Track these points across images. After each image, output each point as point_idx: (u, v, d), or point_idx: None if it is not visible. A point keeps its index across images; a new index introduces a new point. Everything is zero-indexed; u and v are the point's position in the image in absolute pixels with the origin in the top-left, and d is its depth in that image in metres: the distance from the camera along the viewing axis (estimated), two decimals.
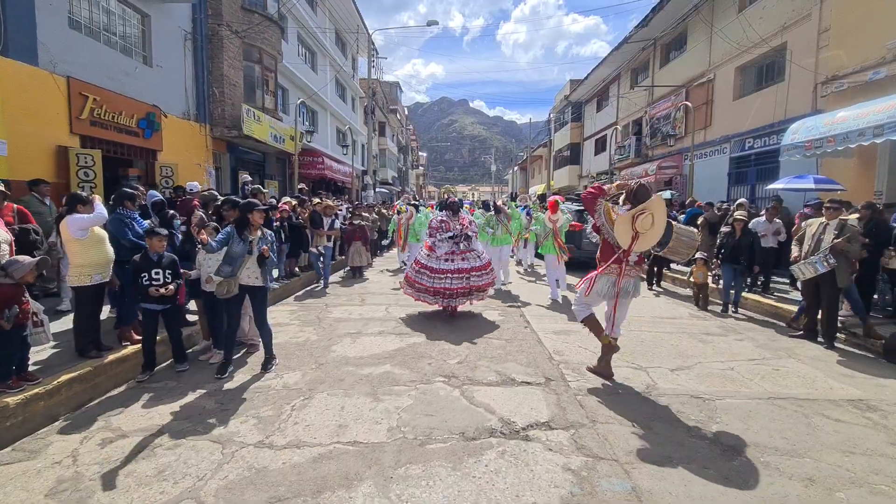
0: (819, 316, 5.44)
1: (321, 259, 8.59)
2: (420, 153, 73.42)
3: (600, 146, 25.82)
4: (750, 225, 7.26)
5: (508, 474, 2.65)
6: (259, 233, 4.29)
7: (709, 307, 7.08)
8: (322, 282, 8.70)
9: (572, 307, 4.52)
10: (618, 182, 5.16)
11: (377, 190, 21.39)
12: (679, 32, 17.11)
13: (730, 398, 3.80)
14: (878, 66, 8.81)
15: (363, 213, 10.38)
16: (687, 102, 14.28)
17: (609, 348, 4.15)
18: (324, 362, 4.56)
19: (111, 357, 4.12)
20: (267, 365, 4.35)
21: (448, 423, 3.27)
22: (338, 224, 8.96)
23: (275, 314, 6.54)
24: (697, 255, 6.80)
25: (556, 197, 8.90)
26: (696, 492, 2.52)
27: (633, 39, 18.62)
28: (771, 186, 9.81)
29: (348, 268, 10.06)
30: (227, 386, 3.95)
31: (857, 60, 9.38)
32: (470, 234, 6.27)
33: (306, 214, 8.96)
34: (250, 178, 10.77)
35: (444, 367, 4.41)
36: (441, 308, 6.35)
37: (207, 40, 11.62)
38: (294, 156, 14.55)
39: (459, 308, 6.37)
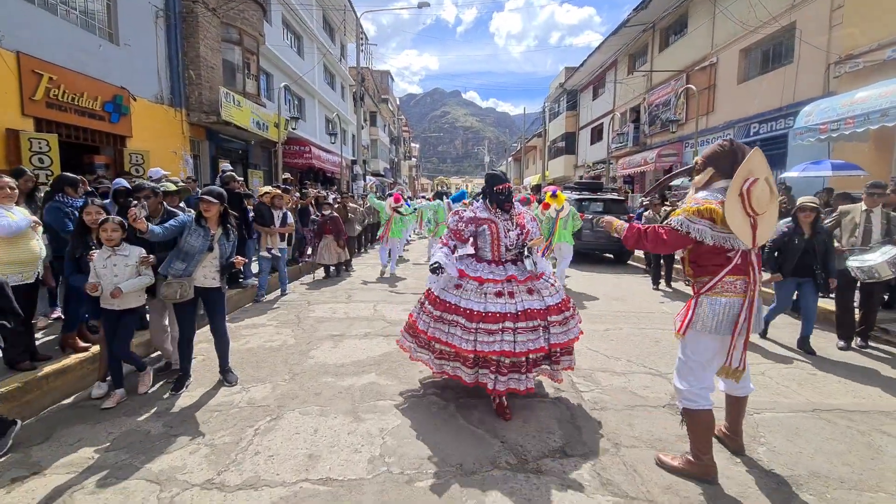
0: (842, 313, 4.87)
1: (269, 264, 6.77)
2: (412, 144, 72.52)
3: (596, 135, 25.26)
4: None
5: None
6: (221, 230, 3.63)
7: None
8: (280, 291, 7.00)
9: (677, 386, 2.48)
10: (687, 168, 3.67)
11: (367, 179, 20.67)
12: (680, 14, 16.49)
13: (769, 411, 3.27)
14: None
15: (350, 204, 9.68)
16: (690, 86, 13.71)
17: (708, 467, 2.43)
18: (299, 372, 3.96)
19: (48, 369, 3.50)
20: (228, 379, 3.73)
21: (442, 452, 2.69)
22: (291, 219, 6.92)
23: (250, 313, 5.94)
24: None
25: (552, 188, 8.33)
26: None
27: (631, 23, 17.98)
28: (785, 175, 9.26)
29: (314, 271, 8.71)
30: (181, 403, 3.35)
31: (874, 38, 8.86)
32: (530, 246, 3.28)
33: (291, 205, 8.32)
34: (231, 168, 10.08)
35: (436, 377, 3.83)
36: (473, 385, 3.11)
37: (181, 18, 10.81)
38: (279, 144, 13.81)
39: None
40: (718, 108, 14.18)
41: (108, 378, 3.47)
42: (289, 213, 6.94)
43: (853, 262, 4.45)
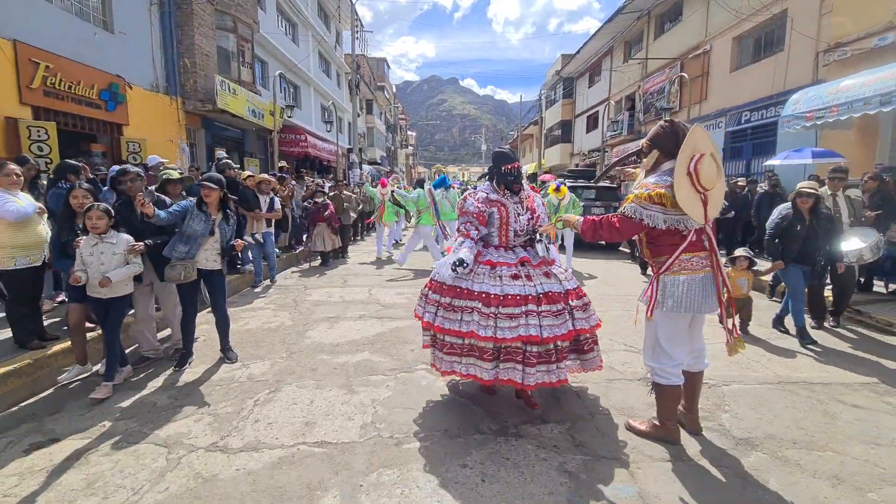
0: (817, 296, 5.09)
1: (261, 250, 6.78)
2: (409, 132, 72.12)
3: (592, 123, 25.28)
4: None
5: (497, 479, 2.30)
6: (221, 215, 3.80)
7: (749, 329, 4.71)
8: (268, 279, 6.94)
9: (650, 364, 2.60)
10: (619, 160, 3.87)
11: (363, 168, 20.72)
12: (675, 2, 16.48)
13: (737, 383, 3.49)
14: (884, 32, 8.42)
15: (344, 192, 9.81)
16: (683, 74, 13.79)
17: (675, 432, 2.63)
18: (296, 350, 4.17)
19: (56, 348, 3.69)
20: (229, 357, 3.93)
21: (430, 419, 2.91)
22: (278, 204, 6.87)
23: (248, 298, 6.12)
24: (739, 251, 4.71)
25: (552, 180, 8.50)
26: (712, 497, 2.20)
27: (626, 10, 17.96)
28: (768, 162, 9.46)
29: (307, 258, 8.85)
30: (185, 379, 3.55)
31: (862, 26, 8.97)
32: (542, 232, 3.09)
33: (286, 193, 8.45)
34: (226, 155, 10.17)
35: (427, 354, 4.03)
36: (492, 383, 2.87)
37: (176, 6, 10.80)
38: (274, 132, 13.86)
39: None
40: (711, 96, 14.28)
41: (100, 362, 3.57)
42: (276, 198, 6.91)
43: (842, 247, 4.58)
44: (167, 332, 4.37)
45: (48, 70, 7.33)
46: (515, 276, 2.79)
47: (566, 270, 3.04)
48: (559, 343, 2.70)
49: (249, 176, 6.83)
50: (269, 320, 5.12)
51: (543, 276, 2.86)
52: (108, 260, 3.25)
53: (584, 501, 2.14)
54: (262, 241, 6.67)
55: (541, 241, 3.08)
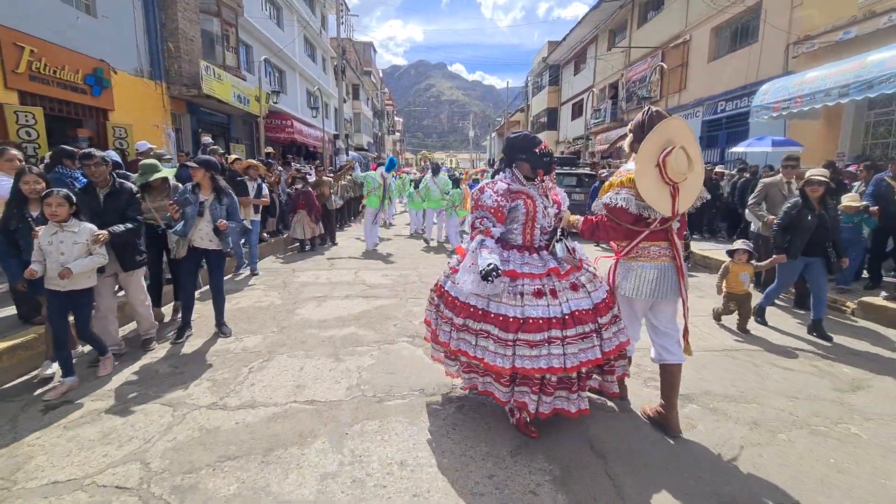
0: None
1: (245, 237, 6.57)
2: (396, 118, 71.61)
3: (577, 111, 25.58)
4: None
5: (465, 427, 2.66)
6: (213, 195, 4.00)
7: (746, 327, 4.42)
8: (249, 267, 6.74)
9: None
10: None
11: (350, 154, 20.77)
12: None
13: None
14: (849, 26, 8.82)
15: (325, 178, 9.99)
16: (662, 63, 14.12)
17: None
18: (286, 326, 4.46)
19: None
20: (223, 331, 4.19)
21: (409, 381, 3.25)
22: (266, 190, 6.79)
23: (239, 278, 6.37)
24: (739, 244, 4.54)
25: None
26: (645, 440, 2.57)
27: None
28: (733, 150, 9.91)
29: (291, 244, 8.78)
30: (183, 351, 3.83)
31: (830, 19, 9.36)
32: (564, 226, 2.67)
33: (273, 179, 8.61)
34: (211, 140, 10.26)
35: (409, 328, 4.38)
36: (508, 404, 2.59)
37: None
38: (260, 118, 13.90)
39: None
40: (690, 86, 14.66)
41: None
42: (264, 184, 6.82)
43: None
44: (132, 326, 4.28)
45: (33, 55, 7.35)
46: (539, 293, 2.38)
47: (595, 273, 2.62)
48: (583, 370, 2.39)
49: (236, 159, 6.76)
50: (259, 300, 5.39)
51: (570, 289, 2.44)
52: (68, 250, 3.02)
53: (525, 441, 2.51)
54: (249, 228, 6.52)
55: (561, 240, 2.57)
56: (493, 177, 2.76)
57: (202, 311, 4.71)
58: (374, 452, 2.42)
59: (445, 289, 2.69)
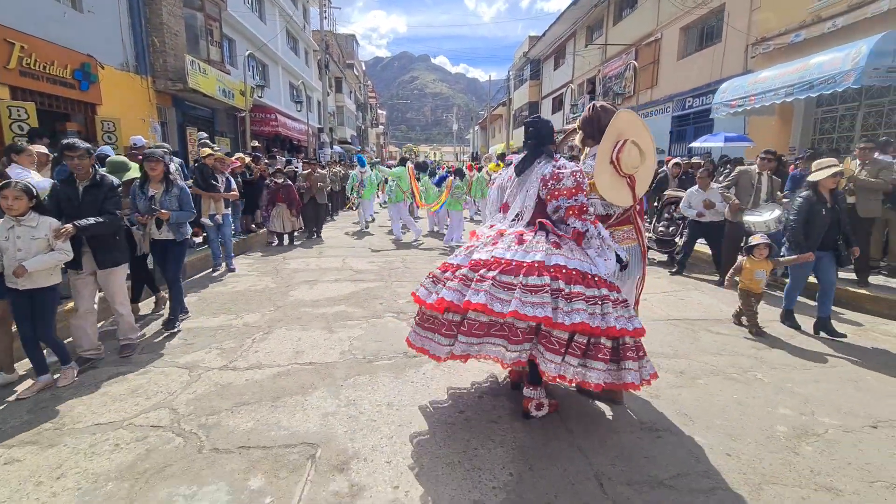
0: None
1: (219, 233, 6.31)
2: (380, 111, 71.41)
3: (557, 105, 26.19)
4: (686, 197, 6.14)
5: (442, 379, 3.17)
6: (162, 186, 3.99)
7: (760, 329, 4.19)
8: (224, 264, 6.51)
9: None
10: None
11: (333, 148, 21.03)
12: None
13: None
14: (799, 30, 9.52)
15: (318, 171, 10.34)
16: (634, 62, 14.76)
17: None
18: (282, 305, 4.91)
19: (69, 305, 4.30)
20: (171, 324, 4.14)
21: (394, 347, 3.74)
22: (234, 184, 6.54)
23: (233, 266, 6.75)
24: (758, 238, 4.31)
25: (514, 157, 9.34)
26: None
27: None
28: (691, 145, 10.60)
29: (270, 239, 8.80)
30: (190, 327, 4.25)
31: (784, 23, 10.06)
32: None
33: (256, 174, 8.86)
34: (206, 135, 10.52)
35: (393, 306, 4.87)
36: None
37: None
38: (245, 112, 14.10)
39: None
40: (661, 82, 15.34)
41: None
42: (231, 178, 6.62)
43: (750, 217, 5.12)
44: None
45: (23, 50, 7.53)
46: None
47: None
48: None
49: (209, 154, 6.51)
50: (254, 284, 5.81)
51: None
52: (25, 246, 2.88)
53: (493, 385, 3.04)
54: (220, 222, 6.24)
55: None
56: (521, 164, 2.68)
57: (204, 296, 5.14)
58: (366, 398, 2.92)
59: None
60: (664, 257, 7.18)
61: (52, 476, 2.18)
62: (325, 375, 3.22)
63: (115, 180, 3.53)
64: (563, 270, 2.31)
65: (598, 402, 2.89)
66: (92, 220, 3.18)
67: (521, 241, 2.44)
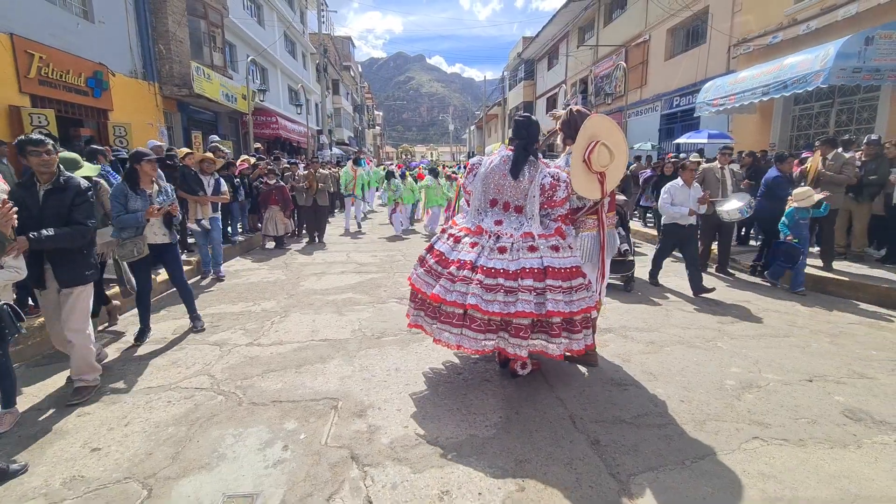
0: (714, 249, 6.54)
1: (208, 237, 5.88)
2: (376, 112, 71.82)
3: (552, 104, 26.65)
4: (668, 194, 5.35)
5: (442, 351, 3.62)
6: (156, 186, 3.83)
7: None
8: (211, 270, 6.08)
9: None
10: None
11: (332, 149, 21.46)
12: None
13: (617, 302, 4.95)
14: (777, 31, 10.01)
15: (320, 171, 10.76)
16: (623, 63, 15.25)
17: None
18: (294, 293, 5.37)
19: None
20: (196, 325, 4.16)
21: (398, 326, 4.20)
22: (224, 186, 6.11)
23: (244, 262, 7.21)
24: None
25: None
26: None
27: None
28: (675, 141, 11.11)
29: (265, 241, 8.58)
30: (213, 312, 4.70)
31: (763, 25, 10.57)
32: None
33: (255, 175, 9.23)
34: (218, 138, 10.95)
35: (396, 293, 5.33)
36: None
37: None
38: (247, 115, 14.54)
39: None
40: (650, 82, 15.85)
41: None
42: (221, 180, 6.14)
43: (723, 207, 5.62)
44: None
45: (41, 60, 7.97)
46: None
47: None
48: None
49: (188, 153, 6.11)
50: (266, 276, 6.26)
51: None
52: None
53: (487, 356, 3.50)
54: (209, 227, 5.77)
55: None
56: (514, 167, 2.92)
57: (221, 287, 5.60)
58: (377, 365, 3.38)
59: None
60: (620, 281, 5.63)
61: (120, 423, 2.63)
62: (339, 349, 3.68)
63: (85, 183, 2.93)
64: (564, 270, 2.76)
65: (578, 366, 3.35)
66: (52, 231, 2.65)
67: (532, 249, 2.78)
